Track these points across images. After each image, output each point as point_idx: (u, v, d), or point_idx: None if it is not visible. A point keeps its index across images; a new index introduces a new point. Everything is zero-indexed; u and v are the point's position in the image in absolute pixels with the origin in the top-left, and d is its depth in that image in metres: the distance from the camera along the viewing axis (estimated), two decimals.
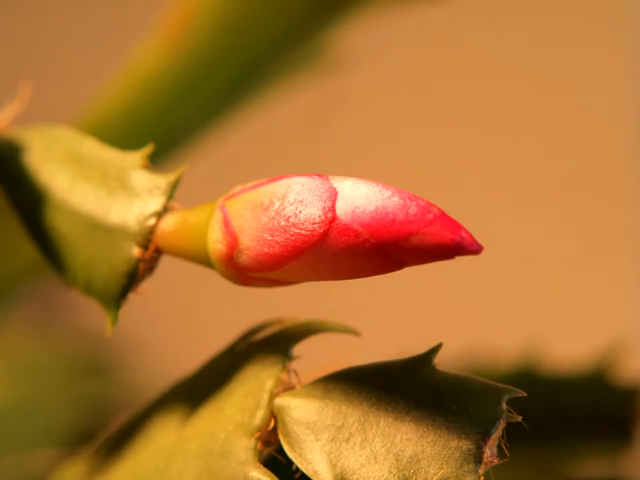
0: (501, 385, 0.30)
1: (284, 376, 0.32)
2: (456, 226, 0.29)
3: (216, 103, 0.58)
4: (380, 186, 0.30)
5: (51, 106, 0.64)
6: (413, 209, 0.29)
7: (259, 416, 0.31)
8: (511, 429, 0.32)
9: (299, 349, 0.33)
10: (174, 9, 0.56)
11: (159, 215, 0.34)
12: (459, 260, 0.31)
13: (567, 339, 0.73)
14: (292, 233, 0.30)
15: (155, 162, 0.36)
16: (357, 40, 0.57)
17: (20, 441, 0.68)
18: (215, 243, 0.32)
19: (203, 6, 0.55)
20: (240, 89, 0.57)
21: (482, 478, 0.29)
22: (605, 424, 0.56)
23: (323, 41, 0.57)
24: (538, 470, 0.56)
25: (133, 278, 0.34)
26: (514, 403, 0.31)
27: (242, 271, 0.32)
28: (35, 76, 0.43)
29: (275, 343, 0.33)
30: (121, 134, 0.56)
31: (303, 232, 0.30)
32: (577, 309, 1.16)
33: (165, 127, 0.58)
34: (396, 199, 0.29)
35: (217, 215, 0.32)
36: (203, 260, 0.33)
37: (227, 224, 0.32)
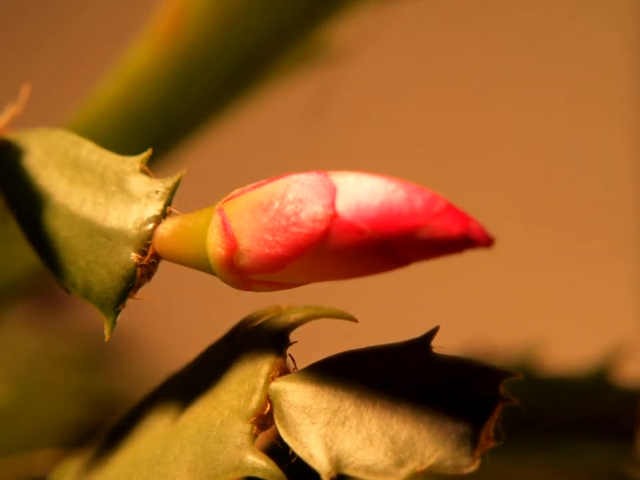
0: (498, 368, 0.30)
1: (280, 361, 0.32)
2: (464, 218, 0.28)
3: (212, 100, 0.58)
4: (384, 180, 0.29)
5: (47, 106, 0.64)
6: (418, 202, 0.28)
7: (255, 400, 0.31)
8: (513, 430, 0.32)
9: (296, 335, 0.33)
10: (169, 6, 0.56)
11: (158, 220, 0.34)
12: (461, 261, 0.31)
13: (569, 341, 0.73)
14: (293, 232, 0.30)
15: (153, 161, 0.36)
16: (354, 33, 0.57)
17: (20, 440, 0.68)
18: (214, 246, 0.32)
19: (197, 2, 0.55)
20: (236, 85, 0.57)
21: (478, 461, 0.29)
22: (607, 425, 0.56)
23: (320, 35, 0.57)
24: (540, 471, 0.56)
25: (130, 283, 0.34)
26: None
27: (243, 274, 0.31)
28: (31, 76, 0.43)
29: (272, 329, 0.33)
30: (118, 133, 0.56)
31: (304, 230, 0.29)
32: (580, 310, 1.16)
33: (162, 125, 0.58)
34: (401, 192, 0.28)
35: (216, 219, 0.32)
36: (203, 265, 0.33)
37: (225, 227, 0.31)
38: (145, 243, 0.34)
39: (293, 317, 0.33)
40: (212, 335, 0.36)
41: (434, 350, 0.31)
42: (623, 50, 1.18)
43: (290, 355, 0.32)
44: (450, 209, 0.28)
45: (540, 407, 0.55)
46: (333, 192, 0.30)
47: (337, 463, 0.30)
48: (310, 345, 0.35)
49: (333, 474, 0.30)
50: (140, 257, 0.34)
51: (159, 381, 0.37)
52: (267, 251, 0.30)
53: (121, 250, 0.34)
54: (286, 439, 0.30)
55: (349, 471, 0.30)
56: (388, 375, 0.30)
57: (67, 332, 0.88)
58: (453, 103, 1.22)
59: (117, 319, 0.35)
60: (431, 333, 0.31)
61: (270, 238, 0.30)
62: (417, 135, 1.23)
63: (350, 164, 0.34)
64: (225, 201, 0.32)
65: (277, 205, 0.30)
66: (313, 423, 0.30)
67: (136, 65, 0.57)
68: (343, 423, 0.30)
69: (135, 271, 0.34)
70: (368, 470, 0.29)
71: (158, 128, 0.58)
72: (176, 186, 0.34)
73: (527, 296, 1.20)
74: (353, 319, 0.33)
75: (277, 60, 0.57)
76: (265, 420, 0.31)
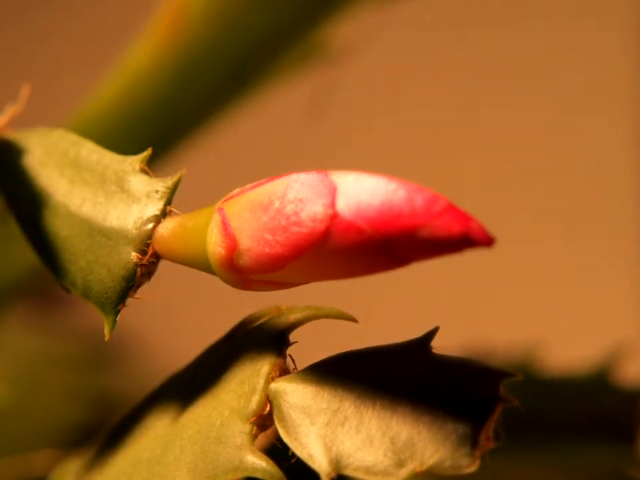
0: (498, 368, 0.30)
1: (280, 361, 0.32)
2: (465, 217, 0.28)
3: (212, 99, 0.58)
4: (384, 179, 0.29)
5: (47, 106, 0.64)
6: (419, 202, 0.28)
7: (255, 400, 0.31)
8: (513, 430, 0.32)
9: (296, 335, 0.33)
10: (169, 5, 0.56)
11: (158, 219, 0.34)
12: (461, 260, 0.31)
13: (569, 341, 0.73)
14: (293, 231, 0.30)
15: (153, 161, 0.36)
16: (354, 33, 0.57)
17: (20, 440, 0.68)
18: (214, 246, 0.32)
19: (197, 2, 0.55)
20: (236, 84, 0.57)
21: (478, 461, 0.29)
22: (607, 425, 0.56)
23: (320, 35, 0.57)
24: (539, 471, 0.55)
25: (130, 283, 0.34)
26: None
27: (243, 274, 0.31)
28: (31, 76, 0.43)
29: (272, 329, 0.33)
30: (118, 132, 0.56)
31: (304, 230, 0.29)
32: (580, 311, 1.16)
33: (162, 125, 0.58)
34: (401, 191, 0.28)
35: (216, 218, 0.32)
36: (203, 265, 0.33)
37: (225, 226, 0.31)
38: (145, 243, 0.34)
39: (292, 318, 0.33)
40: (212, 335, 0.36)
41: (434, 350, 0.31)
42: (623, 50, 1.18)
43: (290, 355, 0.32)
44: (450, 208, 0.28)
45: (540, 406, 0.55)
46: (333, 191, 0.29)
47: (336, 463, 0.30)
48: (310, 345, 0.35)
49: (333, 474, 0.30)
50: (140, 256, 0.34)
51: (159, 381, 0.37)
52: (267, 250, 0.30)
53: (120, 249, 0.34)
54: (286, 439, 0.30)
55: (348, 472, 0.30)
56: (388, 375, 0.30)
57: (67, 332, 0.88)
58: (453, 102, 1.22)
59: (117, 319, 0.34)
60: (431, 333, 0.31)
61: (270, 237, 0.30)
62: (417, 134, 1.23)
63: (350, 164, 0.34)
64: (225, 201, 0.32)
65: (277, 204, 0.30)
66: (313, 424, 0.30)
67: (136, 64, 0.57)
68: (343, 424, 0.30)
69: (135, 271, 0.34)
70: (368, 470, 0.29)
71: (158, 128, 0.58)
72: (176, 185, 0.34)
73: (527, 296, 1.20)
74: (352, 319, 0.33)
75: (276, 60, 0.57)
76: (264, 420, 0.31)
